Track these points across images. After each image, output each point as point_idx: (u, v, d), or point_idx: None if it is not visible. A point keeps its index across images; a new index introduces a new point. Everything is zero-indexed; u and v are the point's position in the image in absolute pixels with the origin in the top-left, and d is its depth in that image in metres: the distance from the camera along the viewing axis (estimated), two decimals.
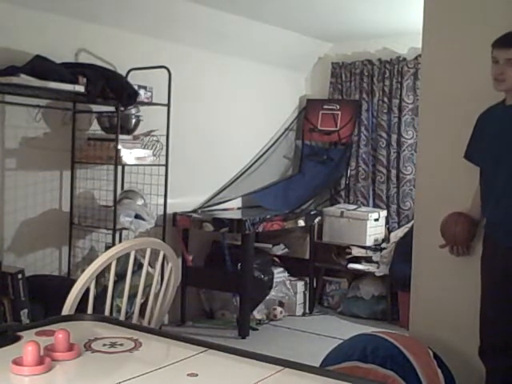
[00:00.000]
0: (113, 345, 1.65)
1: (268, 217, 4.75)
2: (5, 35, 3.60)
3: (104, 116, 4.00)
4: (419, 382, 2.27)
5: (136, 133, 4.11)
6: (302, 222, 5.11)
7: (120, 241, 3.89)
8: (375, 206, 5.52)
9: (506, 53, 2.59)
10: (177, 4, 4.33)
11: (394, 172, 5.40)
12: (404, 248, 4.41)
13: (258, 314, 4.85)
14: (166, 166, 4.17)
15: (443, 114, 3.00)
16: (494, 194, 2.68)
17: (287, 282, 5.16)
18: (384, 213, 5.38)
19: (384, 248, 5.15)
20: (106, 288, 2.38)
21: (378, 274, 5.05)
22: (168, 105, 4.16)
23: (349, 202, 5.60)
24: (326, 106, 5.62)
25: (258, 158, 5.45)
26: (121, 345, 1.65)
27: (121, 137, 3.86)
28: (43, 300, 3.48)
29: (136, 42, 4.34)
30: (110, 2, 4.02)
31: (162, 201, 4.24)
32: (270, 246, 5.18)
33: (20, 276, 3.45)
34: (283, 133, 5.69)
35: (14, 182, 3.77)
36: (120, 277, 2.73)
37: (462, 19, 2.94)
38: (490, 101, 2.78)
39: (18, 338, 1.66)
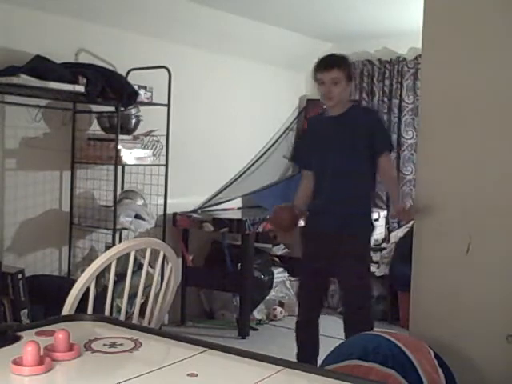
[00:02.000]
0: (113, 345, 1.64)
1: (268, 217, 4.74)
2: (5, 35, 3.61)
3: (104, 116, 3.99)
4: (420, 380, 2.27)
5: (136, 133, 4.11)
6: (301, 222, 5.10)
7: (120, 241, 3.89)
8: (375, 206, 5.51)
9: (330, 74, 3.19)
10: (177, 4, 4.33)
11: None
12: (404, 248, 4.41)
13: (258, 314, 4.85)
14: (166, 166, 4.17)
15: (443, 114, 3.00)
16: (323, 189, 3.28)
17: (287, 282, 5.15)
18: (384, 213, 5.37)
19: (384, 248, 5.15)
20: (106, 288, 2.37)
21: (378, 274, 5.04)
22: (168, 105, 4.16)
23: None
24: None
25: (258, 158, 5.45)
26: (121, 345, 1.65)
27: (121, 137, 3.86)
28: (43, 300, 3.48)
29: (136, 41, 4.34)
30: (110, 2, 4.03)
31: (162, 201, 4.24)
32: (270, 245, 5.18)
33: (20, 276, 3.45)
34: (283, 133, 5.68)
35: (14, 181, 3.77)
36: (120, 277, 2.73)
37: (462, 19, 2.94)
38: (489, 100, 2.79)
39: (17, 338, 1.65)
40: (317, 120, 3.61)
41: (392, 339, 2.39)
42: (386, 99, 5.44)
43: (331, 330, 4.66)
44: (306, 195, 3.41)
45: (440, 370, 2.35)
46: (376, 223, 5.25)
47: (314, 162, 3.36)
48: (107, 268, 2.16)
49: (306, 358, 3.34)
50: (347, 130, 3.27)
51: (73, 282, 2.12)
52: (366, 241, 3.37)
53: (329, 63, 3.24)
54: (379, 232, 5.32)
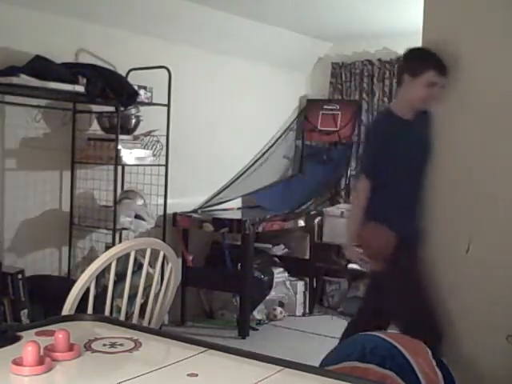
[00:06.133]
0: (113, 345, 1.65)
1: (268, 217, 4.75)
2: (5, 35, 3.60)
3: (104, 116, 4.00)
4: (418, 381, 2.26)
5: (136, 133, 4.11)
6: (302, 222, 5.11)
7: (120, 241, 3.89)
8: None
9: (445, 80, 2.80)
10: (177, 4, 4.33)
11: None
12: None
13: (258, 314, 4.85)
14: (166, 166, 4.17)
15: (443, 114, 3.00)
16: (412, 208, 2.85)
17: (287, 282, 5.16)
18: None
19: None
20: (106, 288, 2.38)
21: None
22: (168, 105, 4.16)
23: (349, 202, 5.60)
24: (326, 107, 5.62)
25: (258, 158, 5.45)
26: (121, 345, 1.65)
27: (121, 137, 3.86)
28: (43, 300, 3.48)
29: (136, 41, 4.34)
30: (109, 2, 4.03)
31: (162, 201, 4.24)
32: (270, 245, 5.18)
33: (20, 276, 3.45)
34: (283, 133, 5.69)
35: (14, 181, 3.77)
36: (120, 277, 2.73)
37: (462, 19, 2.94)
38: (489, 100, 2.79)
39: (17, 338, 1.65)
40: (394, 122, 2.87)
41: (390, 340, 2.39)
42: (385, 99, 5.44)
43: (331, 330, 4.67)
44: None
45: (438, 371, 2.35)
46: None
47: (394, 172, 2.82)
48: (107, 268, 2.16)
49: None
50: (423, 134, 2.89)
51: (73, 282, 2.12)
52: None
53: (447, 69, 2.80)
54: None
